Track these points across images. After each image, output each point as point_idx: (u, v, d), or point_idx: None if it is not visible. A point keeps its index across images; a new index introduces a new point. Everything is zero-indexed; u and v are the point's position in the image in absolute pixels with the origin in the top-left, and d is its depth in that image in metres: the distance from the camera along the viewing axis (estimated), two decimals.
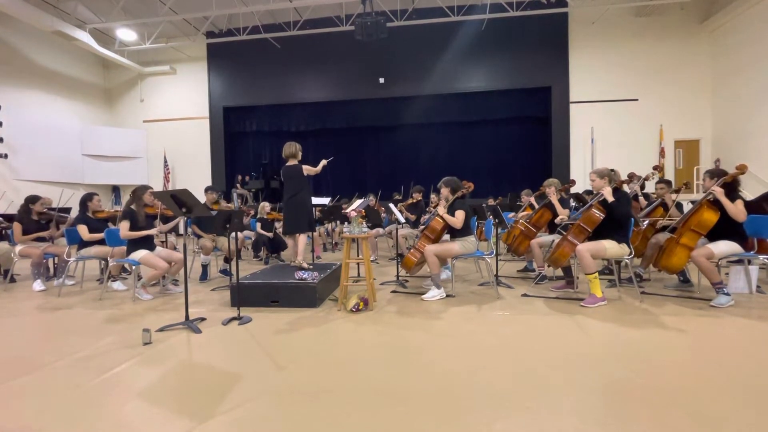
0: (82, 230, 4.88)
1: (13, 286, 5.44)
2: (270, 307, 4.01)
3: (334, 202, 8.61)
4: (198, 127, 13.62)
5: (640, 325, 3.25)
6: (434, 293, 4.28)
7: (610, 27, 11.60)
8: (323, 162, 4.90)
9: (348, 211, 4.20)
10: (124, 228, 4.40)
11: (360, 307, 3.84)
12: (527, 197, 6.16)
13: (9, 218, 6.02)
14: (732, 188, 3.75)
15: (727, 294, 3.73)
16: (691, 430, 1.82)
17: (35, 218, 5.40)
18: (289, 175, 4.77)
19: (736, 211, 3.61)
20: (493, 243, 5.05)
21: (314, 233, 6.87)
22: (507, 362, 2.61)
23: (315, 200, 6.38)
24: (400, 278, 5.11)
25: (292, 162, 4.79)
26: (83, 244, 5.00)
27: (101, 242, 4.91)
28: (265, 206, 7.21)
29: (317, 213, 6.64)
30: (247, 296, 4.00)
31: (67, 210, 6.25)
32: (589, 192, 6.13)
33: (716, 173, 3.87)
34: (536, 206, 5.48)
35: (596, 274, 3.86)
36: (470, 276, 5.53)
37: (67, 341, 3.19)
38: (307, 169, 4.75)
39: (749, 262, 4.11)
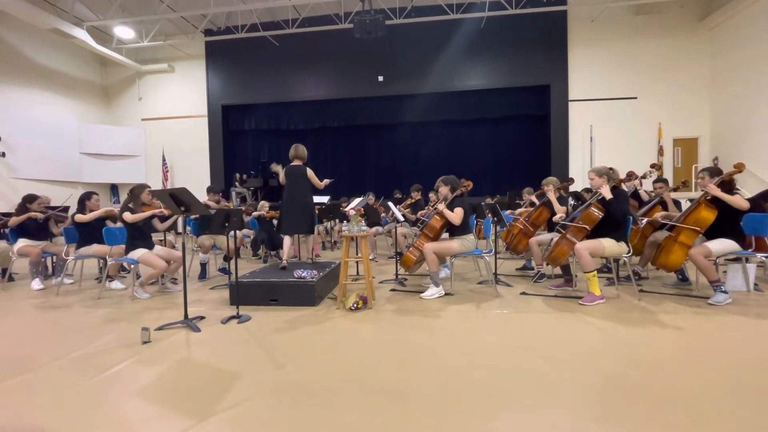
0: (80, 217, 4.89)
1: (11, 285, 5.44)
2: (269, 305, 4.02)
3: (333, 201, 8.61)
4: (196, 125, 13.57)
5: (638, 323, 3.26)
6: (433, 291, 4.28)
7: (609, 25, 11.58)
8: (326, 181, 5.08)
9: (347, 209, 4.21)
10: (128, 216, 4.38)
11: (359, 306, 3.84)
12: (529, 195, 6.17)
13: (8, 217, 6.01)
14: (729, 187, 3.76)
15: (725, 292, 3.74)
16: (689, 427, 1.83)
17: (33, 217, 5.38)
18: (295, 174, 4.87)
19: (738, 200, 3.61)
20: (491, 241, 5.05)
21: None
22: (505, 360, 2.62)
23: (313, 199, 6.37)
24: (399, 276, 5.12)
25: (297, 163, 4.89)
26: (82, 242, 4.99)
27: (100, 241, 4.90)
28: (265, 205, 7.21)
29: (315, 211, 6.62)
30: (246, 295, 4.00)
31: (66, 209, 6.24)
32: (588, 190, 6.14)
33: (715, 172, 3.88)
34: (537, 203, 5.49)
35: (595, 272, 3.87)
36: (469, 274, 5.54)
37: (65, 340, 3.19)
38: (311, 175, 4.89)
39: (747, 260, 4.12)
